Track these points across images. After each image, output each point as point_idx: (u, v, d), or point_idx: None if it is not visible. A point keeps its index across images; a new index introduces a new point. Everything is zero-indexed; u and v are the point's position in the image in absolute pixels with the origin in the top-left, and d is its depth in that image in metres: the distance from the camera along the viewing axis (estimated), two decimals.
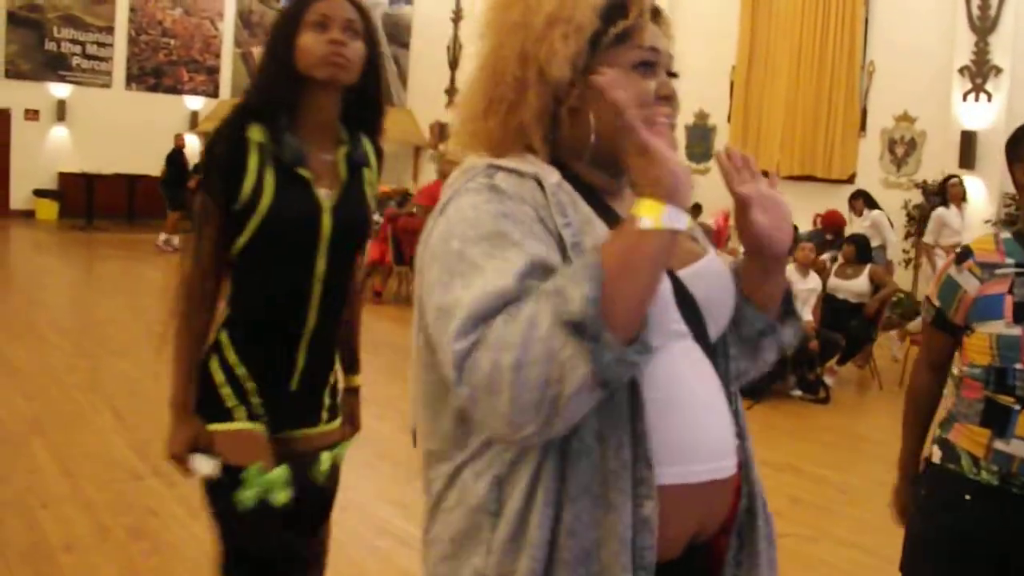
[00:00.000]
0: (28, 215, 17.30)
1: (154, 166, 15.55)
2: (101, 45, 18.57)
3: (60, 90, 18.00)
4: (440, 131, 17.78)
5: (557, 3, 1.21)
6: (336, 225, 2.04)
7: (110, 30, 18.59)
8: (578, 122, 1.23)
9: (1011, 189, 9.58)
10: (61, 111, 17.95)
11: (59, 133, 17.96)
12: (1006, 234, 2.11)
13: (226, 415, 2.03)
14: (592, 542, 1.10)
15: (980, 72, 10.85)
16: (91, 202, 16.68)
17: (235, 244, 2.02)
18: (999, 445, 2.01)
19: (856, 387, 8.04)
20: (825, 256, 8.84)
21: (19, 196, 17.53)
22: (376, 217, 12.46)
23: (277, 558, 2.08)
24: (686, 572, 1.21)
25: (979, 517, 2.03)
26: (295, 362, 2.09)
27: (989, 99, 10.77)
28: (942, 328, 2.14)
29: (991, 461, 2.02)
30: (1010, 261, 2.04)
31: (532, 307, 1.02)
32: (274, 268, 2.03)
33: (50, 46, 18.15)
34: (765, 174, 1.33)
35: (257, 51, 17.87)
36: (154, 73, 18.96)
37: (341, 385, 2.31)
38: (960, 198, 9.54)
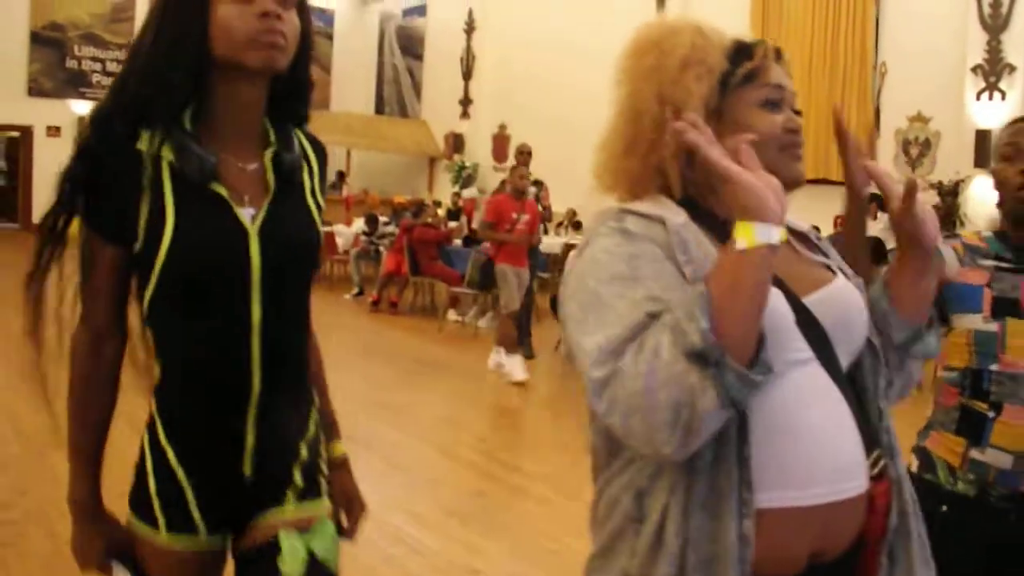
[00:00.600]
0: None
1: None
2: (121, 62, 18.72)
3: (81, 107, 18.24)
4: (455, 142, 17.88)
5: (690, 47, 1.31)
6: (269, 253, 1.53)
7: (129, 47, 18.83)
8: None
9: None
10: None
11: None
12: (987, 233, 2.12)
13: (152, 520, 1.57)
14: (709, 553, 1.20)
15: (993, 70, 10.81)
16: None
17: (144, 297, 1.54)
18: (975, 454, 1.98)
19: None
20: None
21: (43, 212, 17.72)
22: (391, 228, 12.57)
23: None
24: None
25: (956, 529, 1.96)
26: (243, 440, 1.57)
27: (1003, 97, 10.73)
28: None
29: (967, 471, 1.99)
30: (991, 253, 2.04)
31: (655, 338, 1.13)
32: (193, 322, 1.53)
33: (71, 64, 18.44)
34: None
35: None
36: None
37: (324, 456, 1.73)
38: None
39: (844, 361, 1.34)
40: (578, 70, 13.40)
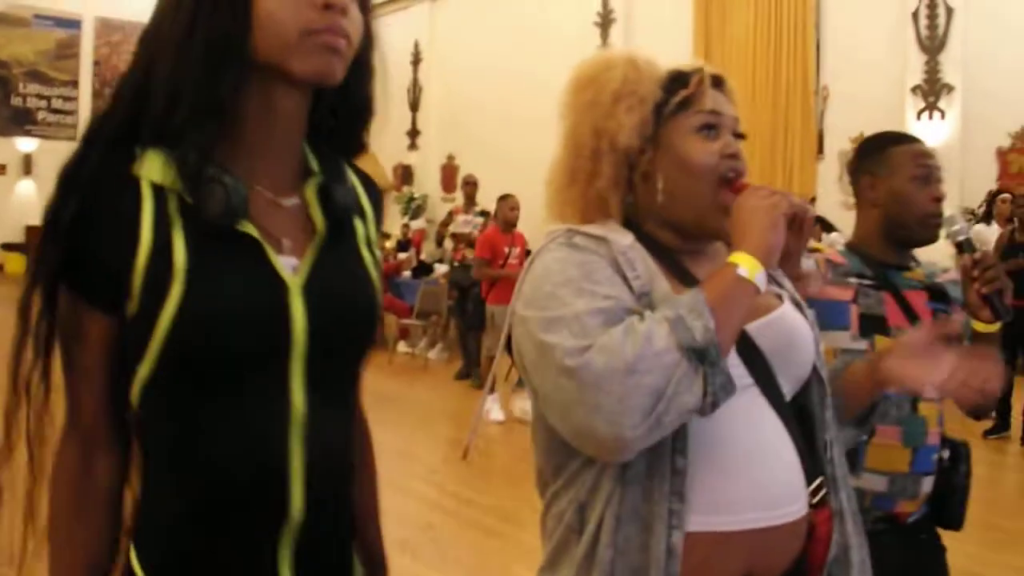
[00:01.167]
0: None
1: None
2: (66, 99, 18.66)
3: (26, 144, 18.06)
4: (403, 173, 17.87)
5: (621, 81, 1.36)
6: (317, 316, 1.09)
7: (75, 84, 18.70)
8: (649, 186, 1.37)
9: (971, 204, 9.51)
10: (27, 165, 18.01)
11: (26, 187, 18.00)
12: (841, 247, 2.08)
13: None
14: (637, 563, 1.22)
15: (932, 90, 11.04)
16: None
17: (135, 376, 1.06)
18: (850, 480, 1.87)
19: None
20: None
21: None
22: None
23: None
24: None
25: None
26: None
27: (943, 116, 10.94)
28: None
29: None
30: (852, 271, 1.98)
31: (649, 326, 1.16)
32: (206, 415, 1.06)
33: (16, 101, 18.25)
34: None
35: None
36: None
37: None
38: (1006, 216, 8.26)
39: (788, 388, 1.35)
40: (524, 99, 13.43)
